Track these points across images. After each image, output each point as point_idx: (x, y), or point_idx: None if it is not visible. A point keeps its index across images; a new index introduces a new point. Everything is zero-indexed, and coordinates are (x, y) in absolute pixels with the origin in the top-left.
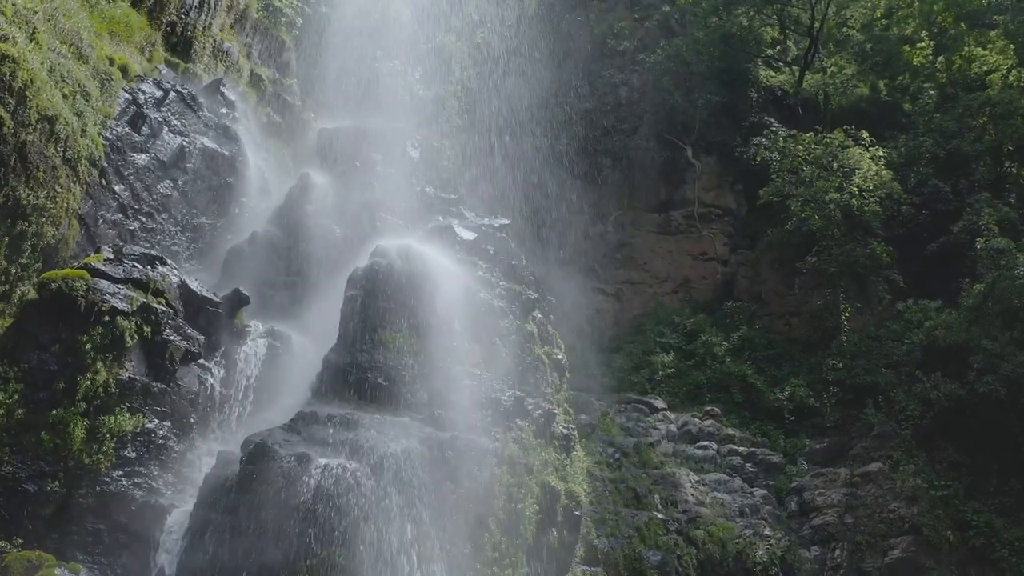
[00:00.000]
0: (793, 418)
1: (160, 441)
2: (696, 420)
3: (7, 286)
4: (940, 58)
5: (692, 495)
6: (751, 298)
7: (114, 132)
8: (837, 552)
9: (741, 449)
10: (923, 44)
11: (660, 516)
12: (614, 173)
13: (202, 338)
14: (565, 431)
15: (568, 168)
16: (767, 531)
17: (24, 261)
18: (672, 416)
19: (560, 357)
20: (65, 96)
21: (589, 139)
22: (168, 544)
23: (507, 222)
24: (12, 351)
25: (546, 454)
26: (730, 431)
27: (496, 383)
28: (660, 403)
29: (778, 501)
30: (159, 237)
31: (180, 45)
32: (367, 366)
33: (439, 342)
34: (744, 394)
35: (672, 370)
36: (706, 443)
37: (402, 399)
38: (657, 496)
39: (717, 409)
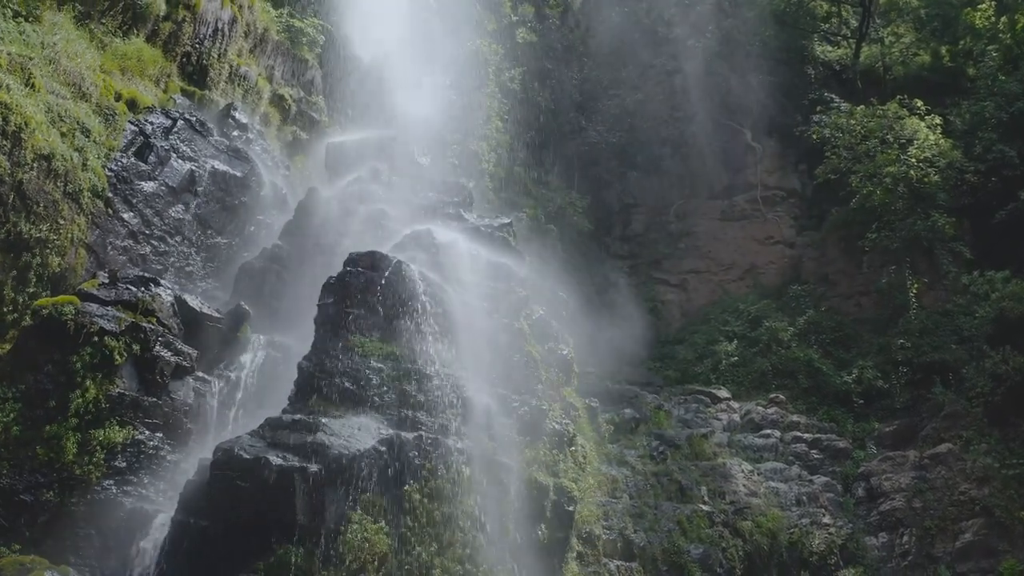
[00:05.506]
0: (861, 401)
1: (151, 451)
2: (759, 408)
3: (16, 314)
4: (1003, 18)
5: (744, 485)
6: (819, 280)
7: (119, 163)
8: (905, 538)
9: (806, 436)
10: (984, 5)
11: (705, 508)
12: (673, 162)
13: (194, 353)
14: (559, 427)
15: (625, 160)
16: (826, 519)
17: (31, 290)
18: (736, 405)
19: (565, 353)
20: (64, 134)
21: (644, 130)
22: (151, 548)
23: (507, 221)
24: (11, 373)
25: (533, 451)
26: (795, 418)
27: (474, 382)
28: (723, 393)
29: (844, 488)
30: (172, 259)
31: (196, 74)
32: (335, 371)
33: (411, 345)
34: (810, 379)
35: (736, 358)
36: (768, 431)
37: (369, 402)
38: (704, 488)
39: (782, 396)
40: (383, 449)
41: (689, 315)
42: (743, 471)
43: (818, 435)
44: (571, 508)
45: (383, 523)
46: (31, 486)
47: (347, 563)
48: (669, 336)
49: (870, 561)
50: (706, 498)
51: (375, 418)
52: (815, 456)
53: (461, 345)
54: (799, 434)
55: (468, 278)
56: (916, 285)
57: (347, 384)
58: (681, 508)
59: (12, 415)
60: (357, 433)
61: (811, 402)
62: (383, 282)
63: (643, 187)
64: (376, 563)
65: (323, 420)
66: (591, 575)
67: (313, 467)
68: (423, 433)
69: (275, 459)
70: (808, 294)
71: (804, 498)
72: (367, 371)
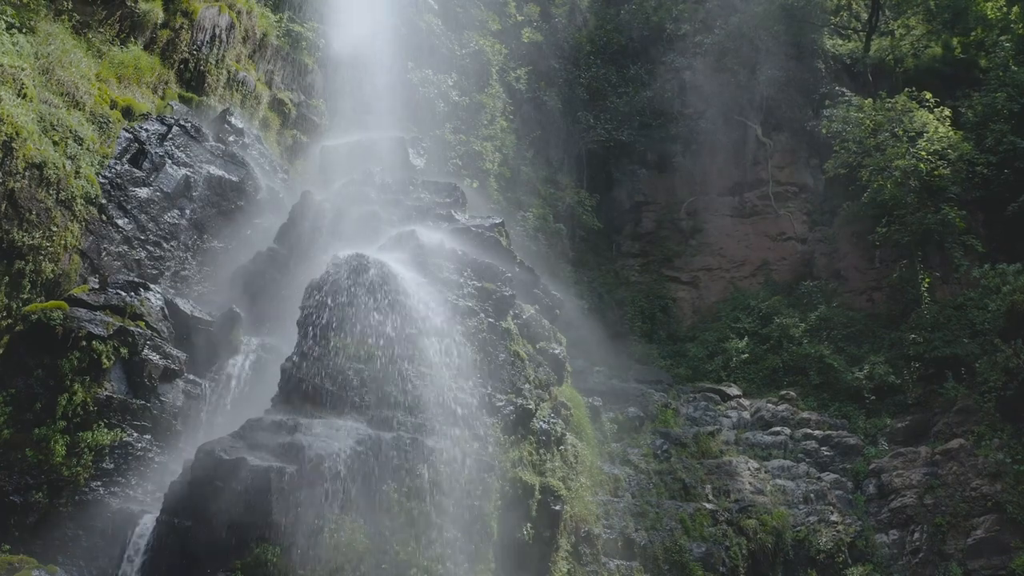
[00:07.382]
0: (873, 397)
1: (139, 453)
2: (770, 406)
3: (10, 320)
4: (1015, 8)
5: (750, 483)
6: (830, 275)
7: (113, 170)
8: (916, 535)
9: (816, 433)
10: None
11: (709, 507)
12: (683, 159)
13: (184, 356)
14: (546, 426)
15: (635, 158)
16: (834, 517)
17: (25, 296)
18: (746, 403)
19: (558, 352)
20: (56, 143)
21: (654, 127)
22: (137, 547)
23: (499, 221)
24: (2, 377)
25: (519, 451)
26: (805, 415)
27: (457, 382)
28: (734, 390)
29: (855, 485)
30: (168, 264)
31: (194, 80)
32: (316, 372)
33: (393, 345)
34: (822, 375)
35: (747, 355)
36: (778, 428)
37: (349, 402)
38: (709, 486)
39: (793, 393)
40: (361, 449)
41: (700, 312)
42: (749, 469)
43: (829, 432)
44: (557, 507)
45: (361, 522)
46: (21, 487)
47: (324, 561)
48: (680, 333)
49: (880, 559)
50: (710, 496)
51: (355, 418)
52: (825, 453)
53: (444, 345)
54: (809, 431)
55: (453, 278)
56: (928, 279)
57: (328, 385)
58: (684, 506)
59: (2, 418)
60: (336, 433)
61: (822, 399)
62: (366, 283)
63: (653, 185)
64: (353, 562)
65: (302, 421)
66: (590, 574)
67: (290, 467)
68: (402, 433)
69: (253, 460)
70: (820, 290)
71: (812, 495)
72: (348, 372)
